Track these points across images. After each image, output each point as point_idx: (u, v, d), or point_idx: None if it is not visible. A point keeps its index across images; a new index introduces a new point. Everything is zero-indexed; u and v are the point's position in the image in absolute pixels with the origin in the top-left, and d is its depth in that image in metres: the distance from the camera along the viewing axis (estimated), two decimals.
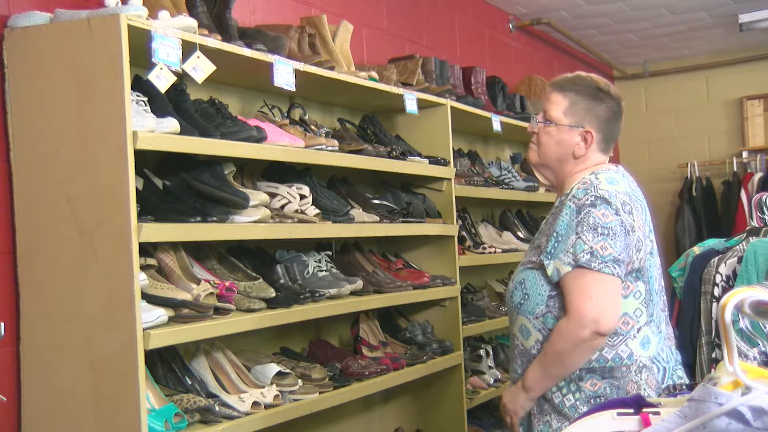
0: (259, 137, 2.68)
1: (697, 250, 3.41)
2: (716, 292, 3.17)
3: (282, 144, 2.81)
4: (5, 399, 2.28)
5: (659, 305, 2.36)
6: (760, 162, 6.89)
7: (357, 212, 3.25)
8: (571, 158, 2.37)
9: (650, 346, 2.28)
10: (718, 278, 3.17)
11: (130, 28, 2.25)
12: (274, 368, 2.76)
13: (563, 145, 2.38)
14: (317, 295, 2.89)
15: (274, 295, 2.72)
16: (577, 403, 2.23)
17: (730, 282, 3.15)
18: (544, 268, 2.26)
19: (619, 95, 2.43)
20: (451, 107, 3.91)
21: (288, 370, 2.82)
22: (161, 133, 2.34)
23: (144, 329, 2.23)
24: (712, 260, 3.23)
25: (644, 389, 2.24)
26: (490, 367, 4.18)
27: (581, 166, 2.37)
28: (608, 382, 2.24)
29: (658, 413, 1.27)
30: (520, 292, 2.33)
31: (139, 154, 2.27)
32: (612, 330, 2.20)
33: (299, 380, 2.79)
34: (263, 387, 2.65)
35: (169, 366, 2.57)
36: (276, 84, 2.78)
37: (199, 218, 2.45)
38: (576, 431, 1.33)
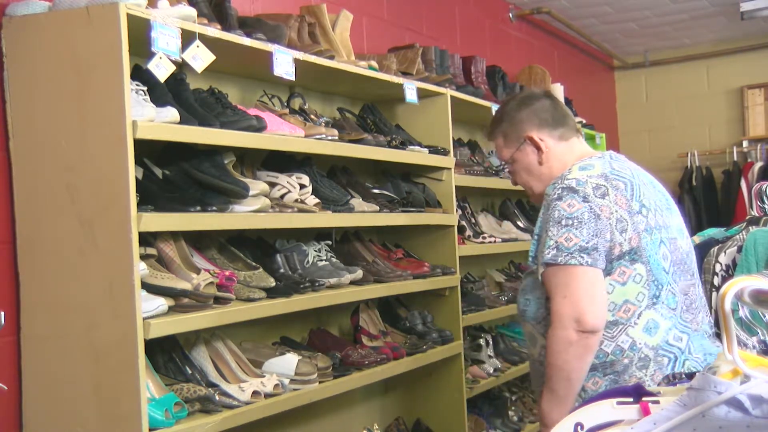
0: (259, 126, 2.68)
1: (696, 239, 3.41)
2: (716, 281, 3.17)
3: (282, 133, 2.80)
4: (6, 388, 2.28)
5: (675, 286, 2.20)
6: (761, 151, 6.89)
7: (357, 202, 3.25)
8: (544, 168, 2.36)
9: (658, 331, 2.14)
10: (717, 267, 3.18)
11: (130, 17, 2.24)
12: (293, 359, 2.76)
13: (529, 166, 2.39)
14: (317, 284, 2.89)
15: (274, 284, 2.73)
16: None
17: (730, 271, 3.15)
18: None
19: (528, 90, 2.47)
20: (451, 97, 3.90)
21: (307, 359, 2.83)
22: (161, 123, 2.34)
23: (144, 319, 2.23)
24: (712, 249, 3.23)
25: (648, 385, 2.12)
26: (489, 357, 4.18)
27: (558, 166, 2.34)
28: (610, 379, 2.13)
29: (657, 402, 1.27)
30: (523, 298, 2.30)
31: (139, 144, 2.27)
32: (600, 324, 2.08)
33: (311, 368, 2.80)
34: (263, 377, 2.66)
35: (169, 355, 2.58)
36: (276, 73, 2.78)
37: (198, 207, 2.44)
38: (577, 420, 1.33)
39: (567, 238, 2.10)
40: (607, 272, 2.14)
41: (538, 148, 2.36)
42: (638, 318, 2.15)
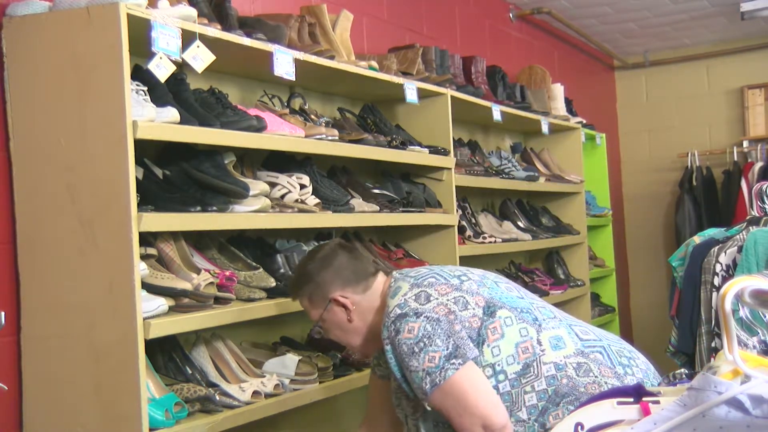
0: (259, 127, 2.68)
1: (697, 239, 3.41)
2: (716, 281, 3.17)
3: (282, 133, 2.80)
4: (6, 388, 2.28)
5: (536, 302, 2.26)
6: (761, 151, 6.88)
7: (357, 202, 3.25)
8: (355, 323, 2.32)
9: (564, 340, 2.16)
10: (718, 268, 3.18)
11: (130, 17, 2.24)
12: (294, 358, 2.76)
13: (341, 324, 2.33)
14: None
15: (274, 284, 2.73)
16: None
17: (730, 271, 3.15)
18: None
19: (322, 246, 2.39)
20: (452, 97, 3.90)
21: (307, 359, 2.83)
22: (161, 123, 2.34)
23: (144, 319, 2.23)
24: (712, 250, 3.23)
25: (604, 383, 2.08)
26: None
27: (369, 315, 2.31)
28: (567, 402, 2.07)
29: (657, 402, 1.27)
30: None
31: (139, 144, 2.26)
32: (505, 417, 2.06)
33: (311, 368, 2.80)
34: (264, 377, 2.66)
35: (169, 355, 2.58)
36: (276, 73, 2.78)
37: (199, 208, 2.44)
38: (577, 420, 1.33)
39: (430, 359, 2.07)
40: (483, 340, 2.13)
41: (346, 307, 2.31)
42: (540, 345, 2.14)
